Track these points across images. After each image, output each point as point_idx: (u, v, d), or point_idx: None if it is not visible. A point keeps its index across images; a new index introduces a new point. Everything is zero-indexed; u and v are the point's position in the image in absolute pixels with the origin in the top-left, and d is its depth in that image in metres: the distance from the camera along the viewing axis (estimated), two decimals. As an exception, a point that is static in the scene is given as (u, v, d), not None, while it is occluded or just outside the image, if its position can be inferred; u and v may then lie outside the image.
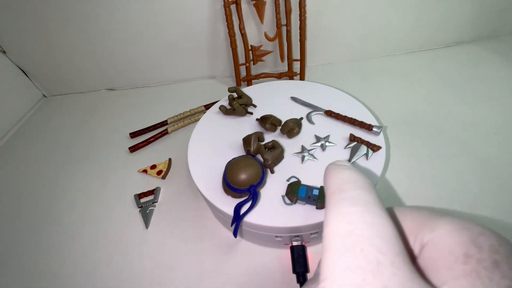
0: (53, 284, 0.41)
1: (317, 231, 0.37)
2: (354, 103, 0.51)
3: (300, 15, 0.62)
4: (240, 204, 0.35)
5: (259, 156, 0.42)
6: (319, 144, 0.44)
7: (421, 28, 0.74)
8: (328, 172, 0.18)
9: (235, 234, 0.35)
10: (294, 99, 0.53)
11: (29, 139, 0.69)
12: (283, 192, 0.37)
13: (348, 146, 0.43)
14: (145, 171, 0.55)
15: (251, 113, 0.50)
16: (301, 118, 0.48)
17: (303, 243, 0.39)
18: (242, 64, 0.69)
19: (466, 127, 0.55)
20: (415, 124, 0.57)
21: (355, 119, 0.46)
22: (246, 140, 0.43)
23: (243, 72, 0.73)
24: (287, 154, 0.43)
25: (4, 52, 0.72)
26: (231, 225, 0.34)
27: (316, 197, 0.35)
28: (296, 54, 0.69)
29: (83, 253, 0.44)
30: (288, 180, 0.39)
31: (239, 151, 0.44)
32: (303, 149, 0.43)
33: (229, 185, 0.36)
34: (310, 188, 0.36)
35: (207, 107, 0.68)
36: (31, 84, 0.79)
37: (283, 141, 0.45)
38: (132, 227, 0.46)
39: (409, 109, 0.61)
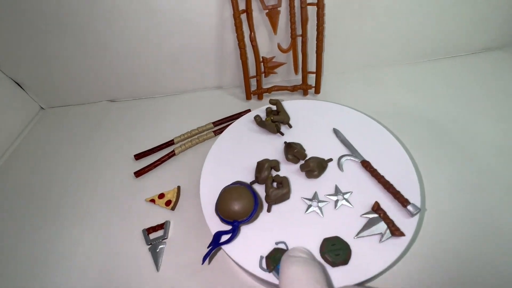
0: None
1: None
2: (404, 158, 0.42)
3: (318, 25, 0.57)
4: (221, 233, 0.34)
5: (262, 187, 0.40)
6: (335, 198, 0.39)
7: (445, 34, 0.68)
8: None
9: (203, 260, 0.34)
10: (336, 132, 0.46)
11: (27, 159, 0.65)
12: (314, 248, 0.34)
13: (365, 215, 0.36)
14: (152, 200, 0.51)
15: (282, 134, 0.46)
16: (330, 160, 0.43)
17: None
18: (253, 77, 0.64)
19: (499, 151, 0.51)
20: (441, 144, 0.53)
21: (391, 185, 0.38)
22: (259, 165, 0.40)
23: (253, 85, 0.68)
24: (296, 195, 0.40)
25: (-4, 65, 0.67)
26: (207, 247, 0.34)
27: None
28: (311, 66, 0.64)
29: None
30: (276, 244, 0.35)
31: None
32: (314, 197, 0.39)
33: (217, 210, 0.35)
34: None
35: (215, 124, 0.63)
36: (27, 96, 0.75)
37: (299, 177, 0.41)
38: (142, 268, 0.43)
39: (434, 127, 0.56)
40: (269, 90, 0.66)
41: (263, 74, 0.64)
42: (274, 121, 0.45)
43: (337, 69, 0.71)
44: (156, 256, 0.44)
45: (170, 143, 0.61)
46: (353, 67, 0.72)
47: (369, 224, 0.36)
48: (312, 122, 0.48)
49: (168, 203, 0.50)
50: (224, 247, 0.35)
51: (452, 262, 0.39)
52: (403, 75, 0.70)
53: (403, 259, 0.40)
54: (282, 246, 0.34)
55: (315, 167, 0.40)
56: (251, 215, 0.35)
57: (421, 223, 0.43)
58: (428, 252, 0.40)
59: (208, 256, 0.34)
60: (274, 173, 0.42)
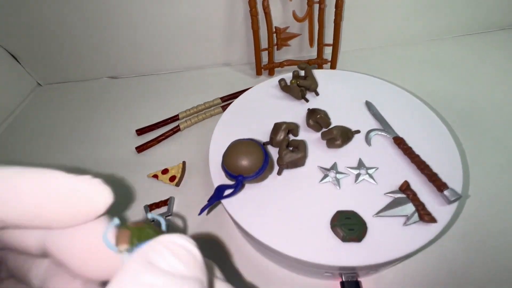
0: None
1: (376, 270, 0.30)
2: (446, 138, 0.36)
3: (337, -10, 0.52)
4: (224, 187, 0.31)
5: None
6: (356, 172, 0.34)
7: (474, 8, 0.63)
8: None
9: (201, 211, 0.31)
10: (368, 105, 0.41)
11: (22, 135, 0.61)
12: (325, 220, 0.30)
13: (389, 194, 0.31)
14: (155, 176, 0.47)
15: (307, 100, 0.42)
16: (357, 131, 0.38)
17: (356, 279, 0.31)
18: (264, 50, 0.60)
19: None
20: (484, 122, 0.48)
21: (427, 166, 0.32)
22: (276, 126, 0.36)
23: (263, 59, 0.63)
24: (312, 163, 0.35)
25: (-10, 34, 0.63)
26: (207, 201, 0.30)
27: None
28: (328, 38, 0.60)
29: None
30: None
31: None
32: (333, 167, 0.34)
33: (223, 164, 0.32)
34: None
35: (224, 99, 0.59)
36: (23, 71, 0.71)
37: (319, 146, 0.37)
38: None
39: (472, 107, 0.52)
40: (281, 65, 0.61)
41: (275, 47, 0.60)
42: (300, 86, 0.40)
43: (354, 46, 0.67)
44: (159, 234, 0.40)
45: (175, 118, 0.57)
46: (372, 44, 0.67)
47: (394, 204, 0.30)
48: (341, 93, 0.43)
49: (172, 178, 0.46)
50: (224, 202, 0.31)
51: (490, 265, 0.34)
52: (427, 52, 0.65)
53: (429, 248, 0.35)
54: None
55: (338, 135, 0.36)
56: (258, 172, 0.31)
57: (459, 213, 0.38)
58: (462, 245, 0.35)
59: (206, 209, 0.31)
60: (291, 138, 0.37)
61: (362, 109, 0.41)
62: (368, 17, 0.63)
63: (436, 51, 0.65)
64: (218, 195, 0.31)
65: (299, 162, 0.34)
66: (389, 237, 0.28)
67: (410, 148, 0.35)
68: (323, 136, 0.37)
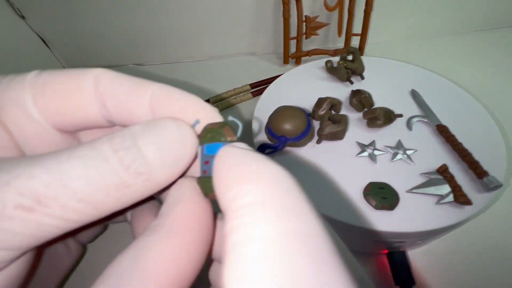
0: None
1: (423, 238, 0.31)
2: (492, 128, 0.36)
3: (370, -21, 0.53)
4: (266, 146, 0.33)
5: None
6: (394, 151, 0.35)
7: (498, 2, 0.65)
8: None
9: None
10: (414, 94, 0.42)
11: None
12: (358, 189, 0.31)
13: (425, 174, 0.32)
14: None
15: (352, 82, 0.43)
16: (399, 115, 0.39)
17: (402, 249, 0.32)
18: (293, 38, 0.61)
19: None
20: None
21: (469, 153, 0.33)
22: (320, 100, 0.38)
23: (291, 48, 0.65)
24: (351, 138, 0.36)
25: (23, 17, 0.64)
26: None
27: None
28: (355, 29, 0.61)
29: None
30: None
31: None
32: (371, 144, 0.35)
33: (267, 126, 0.35)
34: None
35: (253, 86, 0.60)
36: (51, 54, 0.71)
37: (359, 125, 0.38)
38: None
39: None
40: (308, 54, 0.62)
41: (304, 36, 0.61)
42: (347, 68, 0.42)
43: (380, 37, 0.68)
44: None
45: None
46: (398, 36, 0.68)
47: (429, 183, 0.31)
48: (385, 79, 0.44)
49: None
50: None
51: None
52: (454, 45, 0.66)
53: (457, 231, 0.36)
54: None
55: (380, 115, 0.37)
56: (300, 135, 0.33)
57: (496, 200, 0.38)
58: (492, 235, 0.36)
59: None
60: (333, 113, 0.39)
61: (406, 97, 0.42)
62: (394, 10, 0.64)
63: (462, 44, 0.66)
64: (261, 152, 0.33)
65: (338, 135, 0.36)
66: (420, 211, 0.29)
67: (453, 136, 0.35)
68: (365, 115, 0.38)
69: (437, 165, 0.33)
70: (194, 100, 0.15)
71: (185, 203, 0.12)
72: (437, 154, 0.34)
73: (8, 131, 0.14)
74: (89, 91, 0.14)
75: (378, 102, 0.40)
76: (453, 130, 0.36)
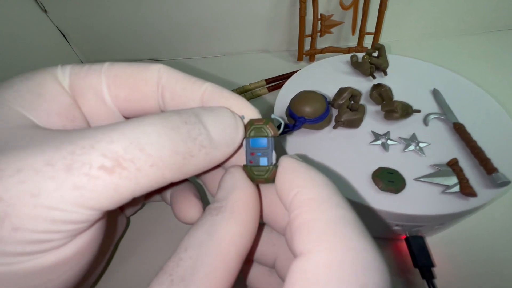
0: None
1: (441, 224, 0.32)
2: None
3: (385, -20, 0.55)
4: (296, 127, 0.36)
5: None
6: (406, 142, 0.36)
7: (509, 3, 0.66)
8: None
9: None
10: (435, 93, 0.42)
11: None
12: (367, 173, 0.32)
13: (435, 165, 0.33)
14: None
15: (374, 77, 0.44)
16: (417, 111, 0.39)
17: (420, 234, 0.33)
18: (308, 36, 0.63)
19: None
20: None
21: (482, 151, 0.33)
22: (340, 90, 0.39)
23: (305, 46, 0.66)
24: (366, 127, 0.38)
25: (45, 11, 0.65)
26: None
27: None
28: (368, 27, 0.62)
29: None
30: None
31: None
32: (385, 134, 0.37)
33: (289, 107, 0.37)
34: None
35: (268, 81, 0.61)
36: (69, 49, 0.73)
37: (376, 118, 0.40)
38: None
39: None
40: (323, 51, 0.64)
41: (319, 33, 0.62)
42: (372, 63, 0.43)
43: (392, 37, 0.69)
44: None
45: (222, 96, 0.60)
46: (411, 36, 0.70)
47: (437, 174, 0.32)
48: (408, 77, 0.46)
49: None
50: (283, 139, 0.36)
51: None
52: (467, 47, 0.68)
53: (460, 222, 0.36)
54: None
55: (398, 108, 0.38)
56: (318, 118, 0.36)
57: (502, 196, 0.39)
58: (493, 233, 0.37)
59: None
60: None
61: (426, 95, 0.43)
62: (406, 10, 0.66)
63: (482, 44, 0.68)
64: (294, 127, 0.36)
65: (355, 123, 0.37)
66: (425, 197, 0.30)
67: (468, 134, 0.36)
68: (383, 107, 0.39)
69: (448, 159, 0.34)
70: (240, 100, 0.17)
71: (241, 188, 0.15)
72: (450, 150, 0.35)
73: (83, 112, 0.17)
74: (153, 83, 0.16)
75: (398, 97, 0.42)
76: (470, 128, 0.37)
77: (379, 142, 0.36)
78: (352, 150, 0.35)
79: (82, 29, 0.70)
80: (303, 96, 0.36)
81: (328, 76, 0.46)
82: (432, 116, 0.39)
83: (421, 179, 0.32)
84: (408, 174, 0.32)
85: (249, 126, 0.17)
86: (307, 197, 0.13)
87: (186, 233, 0.13)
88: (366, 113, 0.39)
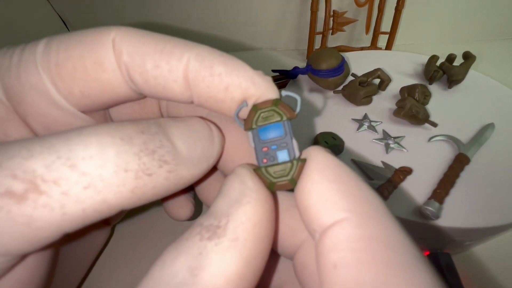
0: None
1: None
2: None
3: (404, -24, 0.52)
4: (299, 70, 0.42)
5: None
6: (385, 141, 0.34)
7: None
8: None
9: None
10: (487, 126, 0.36)
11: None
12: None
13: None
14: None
15: (431, 83, 0.41)
16: (433, 124, 0.35)
17: (445, 250, 0.29)
18: (319, 33, 0.59)
19: None
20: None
21: (451, 183, 0.29)
22: (371, 71, 0.40)
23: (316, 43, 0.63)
24: (362, 109, 0.38)
25: (47, -3, 0.63)
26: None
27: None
28: (383, 26, 0.59)
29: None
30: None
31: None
32: (365, 117, 0.37)
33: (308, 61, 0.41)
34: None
35: (274, 78, 0.58)
36: (70, 38, 0.71)
37: (386, 113, 0.37)
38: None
39: None
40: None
41: (331, 31, 0.59)
42: (442, 69, 0.39)
43: (406, 40, 0.66)
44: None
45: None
46: (424, 40, 0.67)
47: (374, 167, 0.31)
48: (470, 99, 0.39)
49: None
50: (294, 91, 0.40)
51: None
52: (483, 52, 0.64)
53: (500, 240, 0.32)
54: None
55: (407, 107, 0.34)
56: (327, 72, 0.39)
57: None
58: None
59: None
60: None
61: (472, 122, 0.36)
62: (421, 14, 0.63)
63: (498, 50, 0.64)
64: (289, 73, 0.43)
65: (355, 98, 0.38)
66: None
67: (462, 170, 0.30)
68: (398, 102, 0.36)
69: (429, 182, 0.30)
70: (241, 74, 0.12)
71: (253, 204, 0.10)
72: (429, 172, 0.31)
73: (28, 123, 0.12)
74: (111, 66, 0.11)
75: (436, 118, 0.36)
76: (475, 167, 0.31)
77: (365, 126, 0.36)
78: (335, 115, 0.38)
79: (83, 17, 0.68)
80: (324, 51, 0.40)
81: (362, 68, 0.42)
82: (442, 137, 0.34)
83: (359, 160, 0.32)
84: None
85: (254, 112, 0.12)
86: (344, 215, 0.09)
87: (159, 258, 0.09)
88: (375, 93, 0.38)
